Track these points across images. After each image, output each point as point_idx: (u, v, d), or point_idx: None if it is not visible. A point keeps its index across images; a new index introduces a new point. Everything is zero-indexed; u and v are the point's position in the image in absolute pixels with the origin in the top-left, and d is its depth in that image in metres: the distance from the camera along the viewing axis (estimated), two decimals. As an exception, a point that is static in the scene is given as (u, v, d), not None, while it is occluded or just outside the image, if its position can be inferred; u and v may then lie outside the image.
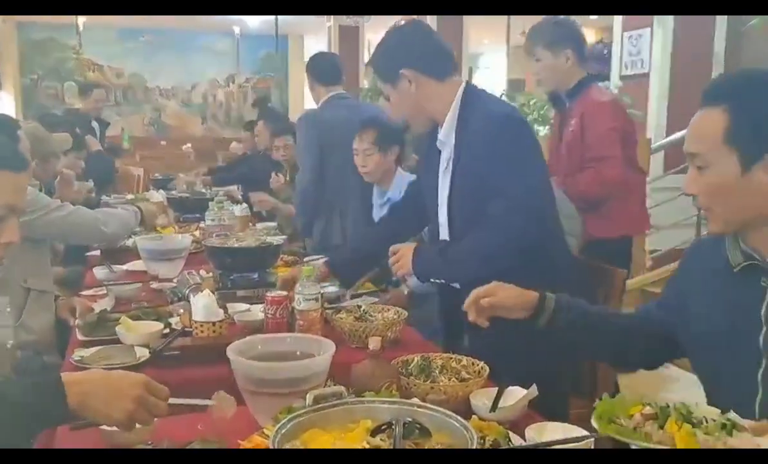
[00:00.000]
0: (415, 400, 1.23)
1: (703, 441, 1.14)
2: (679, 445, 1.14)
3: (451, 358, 1.62)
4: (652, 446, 1.15)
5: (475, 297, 1.52)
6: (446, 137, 2.07)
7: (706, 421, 1.19)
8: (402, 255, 2.13)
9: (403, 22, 2.22)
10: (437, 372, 1.56)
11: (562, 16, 3.08)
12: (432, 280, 2.17)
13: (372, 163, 3.03)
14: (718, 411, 1.22)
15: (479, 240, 2.01)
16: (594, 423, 1.23)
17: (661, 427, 1.18)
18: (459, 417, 1.07)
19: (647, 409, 1.22)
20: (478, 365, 1.59)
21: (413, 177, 3.16)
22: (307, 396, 1.16)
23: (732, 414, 1.20)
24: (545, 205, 2.03)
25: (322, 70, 3.63)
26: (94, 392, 1.23)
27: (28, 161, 1.60)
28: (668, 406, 1.22)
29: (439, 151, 2.11)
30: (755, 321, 1.35)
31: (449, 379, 1.53)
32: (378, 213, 3.14)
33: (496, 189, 1.94)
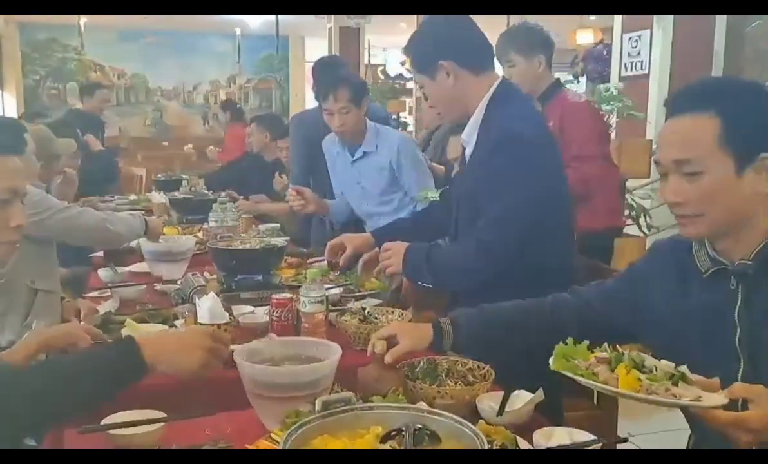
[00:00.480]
0: (425, 406, 1.24)
1: (646, 386, 1.19)
2: (621, 386, 1.19)
3: (457, 361, 1.62)
4: (597, 384, 1.21)
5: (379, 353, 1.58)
6: (468, 136, 2.08)
7: (656, 370, 1.24)
8: (394, 254, 2.14)
9: None
10: (443, 375, 1.56)
11: (533, 22, 3.14)
12: (420, 283, 2.19)
13: (350, 120, 3.05)
14: (673, 364, 1.27)
15: (457, 253, 2.07)
16: (551, 362, 1.29)
17: (612, 370, 1.24)
18: (469, 424, 1.07)
19: (603, 354, 1.28)
20: (483, 368, 1.59)
21: (383, 127, 3.26)
22: (316, 402, 1.16)
23: (683, 368, 1.26)
24: (530, 223, 1.95)
25: (327, 75, 3.66)
26: (168, 348, 1.35)
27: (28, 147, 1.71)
28: (623, 354, 1.28)
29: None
30: (729, 324, 1.37)
31: (455, 383, 1.53)
32: (353, 171, 3.18)
33: (481, 205, 1.98)
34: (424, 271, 2.09)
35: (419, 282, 2.18)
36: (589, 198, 2.91)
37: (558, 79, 3.17)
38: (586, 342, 1.32)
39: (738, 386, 1.23)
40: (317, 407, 1.15)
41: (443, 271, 2.07)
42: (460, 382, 1.54)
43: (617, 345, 1.33)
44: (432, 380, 1.53)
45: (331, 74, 3.25)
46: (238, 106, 8.49)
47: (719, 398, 1.18)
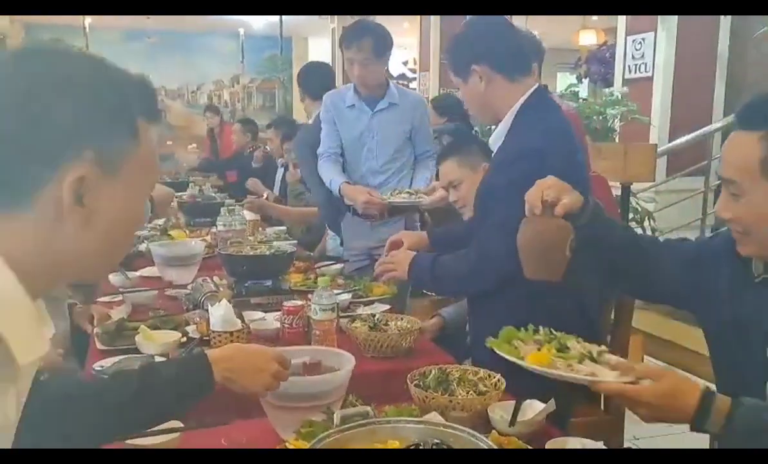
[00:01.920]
0: (440, 419, 1.25)
1: (554, 360, 1.35)
2: (529, 361, 1.36)
3: (468, 370, 1.64)
4: (515, 359, 1.37)
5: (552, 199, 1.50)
6: (495, 142, 2.09)
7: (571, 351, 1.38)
8: (398, 262, 2.17)
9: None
10: (455, 384, 1.57)
11: (524, 30, 3.17)
12: (424, 291, 2.22)
13: (371, 71, 3.07)
14: (596, 348, 1.40)
15: (459, 261, 2.07)
16: (489, 339, 1.45)
17: (539, 350, 1.39)
18: (485, 438, 1.09)
19: (538, 337, 1.44)
20: (494, 377, 1.61)
21: (401, 87, 3.29)
22: (335, 415, 1.18)
23: (601, 348, 1.39)
24: None
25: (313, 82, 3.75)
26: (238, 368, 1.36)
27: None
28: (555, 337, 1.43)
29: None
30: (764, 334, 1.37)
31: (467, 392, 1.55)
32: (370, 123, 3.16)
33: (488, 212, 1.99)
34: (427, 280, 2.15)
35: (422, 290, 2.22)
36: None
37: (545, 85, 3.14)
38: (532, 327, 1.47)
39: (640, 366, 1.34)
40: (336, 421, 1.17)
41: (445, 280, 2.11)
42: (471, 391, 1.55)
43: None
44: (444, 390, 1.55)
45: (357, 27, 3.20)
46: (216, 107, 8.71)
47: (612, 375, 1.30)
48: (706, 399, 1.24)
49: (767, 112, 1.30)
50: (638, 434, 3.10)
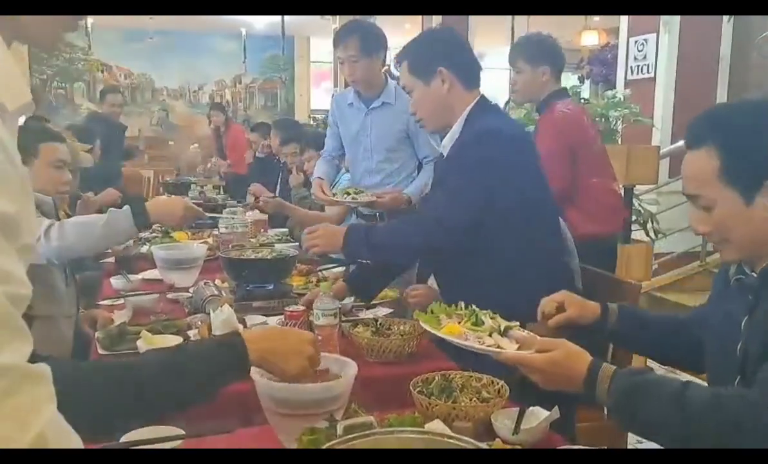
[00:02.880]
0: (444, 429, 1.25)
1: (465, 332, 1.55)
2: (443, 332, 1.57)
3: (471, 377, 1.63)
4: (431, 328, 1.60)
5: (548, 313, 1.72)
6: (448, 144, 2.18)
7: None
8: (320, 235, 2.21)
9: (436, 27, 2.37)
10: (458, 391, 1.57)
11: (545, 33, 3.21)
12: (358, 261, 2.35)
13: (359, 69, 3.09)
14: (517, 323, 1.60)
15: (397, 229, 2.23)
16: (417, 312, 1.68)
17: (459, 323, 1.60)
18: (488, 447, 1.08)
19: (460, 312, 1.64)
20: (498, 384, 1.60)
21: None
22: (338, 426, 1.17)
23: (513, 324, 1.59)
24: (471, 217, 2.05)
25: None
26: (274, 349, 1.36)
27: None
28: (474, 312, 1.62)
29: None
30: (737, 333, 1.41)
31: (470, 399, 1.54)
32: (365, 121, 3.22)
33: (441, 185, 2.16)
34: (363, 249, 2.19)
35: (358, 260, 2.34)
36: (585, 202, 3.02)
37: (564, 88, 3.21)
38: (462, 304, 1.67)
39: (541, 340, 1.46)
40: (339, 431, 1.17)
41: (385, 247, 2.17)
42: (474, 398, 1.55)
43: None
44: (447, 397, 1.54)
45: (346, 26, 3.25)
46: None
47: (512, 347, 1.50)
48: (593, 366, 1.37)
49: (708, 126, 1.38)
50: (642, 438, 3.08)
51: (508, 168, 2.04)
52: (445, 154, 2.23)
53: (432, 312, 1.67)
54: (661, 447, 1.36)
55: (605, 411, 2.34)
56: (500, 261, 2.07)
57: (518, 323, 1.62)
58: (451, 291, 2.17)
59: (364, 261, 2.31)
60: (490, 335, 1.54)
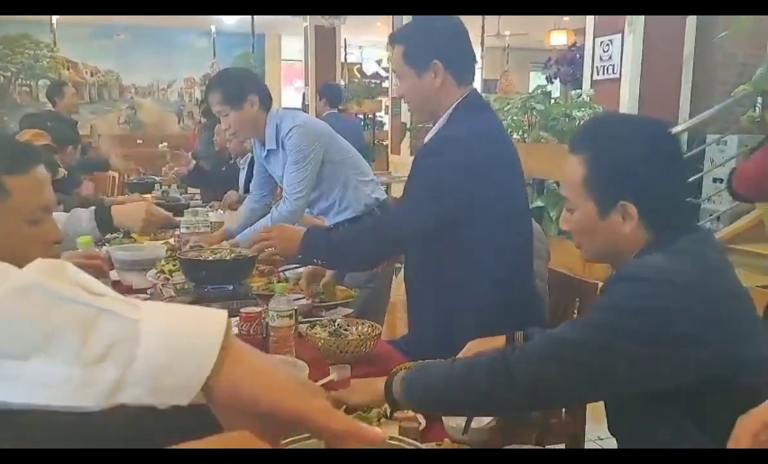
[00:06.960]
0: (391, 432, 1.24)
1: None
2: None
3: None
4: None
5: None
6: (430, 136, 2.14)
7: None
8: (276, 236, 2.23)
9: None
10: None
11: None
12: (315, 262, 2.29)
13: (232, 121, 3.00)
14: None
15: (353, 236, 2.23)
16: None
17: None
18: (435, 448, 1.08)
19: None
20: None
21: (288, 115, 3.09)
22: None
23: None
24: (419, 227, 2.06)
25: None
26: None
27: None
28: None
29: None
30: None
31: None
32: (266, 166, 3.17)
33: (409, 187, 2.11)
34: (322, 249, 2.18)
35: (315, 261, 2.29)
36: None
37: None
38: None
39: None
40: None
41: (341, 254, 2.18)
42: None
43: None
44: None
45: (210, 83, 3.14)
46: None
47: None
48: (388, 378, 1.43)
49: (586, 137, 1.45)
50: (603, 434, 3.11)
51: (464, 176, 1.99)
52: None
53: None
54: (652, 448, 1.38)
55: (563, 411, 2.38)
56: (451, 267, 2.07)
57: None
58: (412, 294, 2.23)
59: (320, 263, 2.30)
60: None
